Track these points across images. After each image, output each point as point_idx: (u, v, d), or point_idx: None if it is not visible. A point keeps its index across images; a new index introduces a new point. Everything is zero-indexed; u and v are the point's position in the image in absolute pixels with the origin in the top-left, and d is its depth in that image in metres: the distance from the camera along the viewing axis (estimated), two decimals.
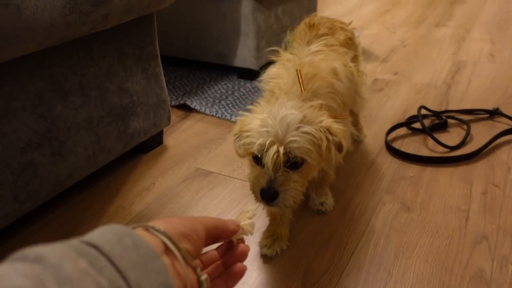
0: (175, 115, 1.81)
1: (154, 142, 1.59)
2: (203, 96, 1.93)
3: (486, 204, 1.24)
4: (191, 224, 0.51)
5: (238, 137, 0.92)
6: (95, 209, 1.30)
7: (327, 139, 0.87)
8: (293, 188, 0.87)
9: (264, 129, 0.84)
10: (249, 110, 0.95)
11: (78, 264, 0.37)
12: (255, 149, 0.86)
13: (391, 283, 1.01)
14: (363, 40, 2.60)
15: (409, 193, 1.30)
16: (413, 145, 1.53)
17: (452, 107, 1.77)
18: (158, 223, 0.48)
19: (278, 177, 0.85)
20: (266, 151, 0.83)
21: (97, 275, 0.37)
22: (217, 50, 2.09)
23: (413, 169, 1.41)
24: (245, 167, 1.46)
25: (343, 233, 1.16)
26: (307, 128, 0.85)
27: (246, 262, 1.08)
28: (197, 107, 1.84)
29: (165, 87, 1.54)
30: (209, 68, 2.21)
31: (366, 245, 1.12)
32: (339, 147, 0.90)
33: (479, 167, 1.40)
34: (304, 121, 0.85)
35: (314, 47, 1.12)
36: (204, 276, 0.49)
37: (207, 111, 1.81)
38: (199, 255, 0.53)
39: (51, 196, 1.22)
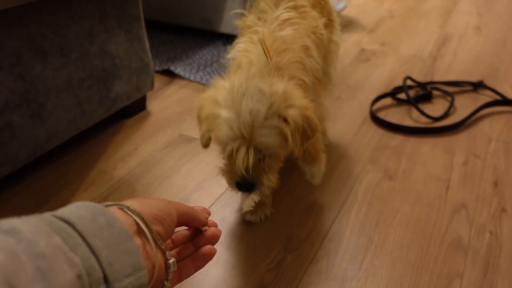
0: (158, 80, 1.78)
1: (137, 107, 1.56)
2: (187, 62, 1.89)
3: (467, 174, 1.26)
4: (164, 206, 0.51)
5: (203, 129, 0.88)
6: (76, 173, 1.28)
7: (297, 134, 0.84)
8: (269, 179, 0.88)
9: (231, 132, 0.81)
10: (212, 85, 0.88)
11: (52, 240, 0.36)
12: (226, 154, 0.85)
13: (372, 248, 1.03)
14: (351, 10, 2.57)
15: (392, 162, 1.31)
16: (397, 115, 1.54)
17: (437, 79, 1.78)
18: (133, 203, 0.48)
19: (251, 170, 0.84)
20: (236, 154, 0.82)
21: (70, 252, 0.37)
22: (202, 15, 2.04)
23: (396, 139, 1.42)
24: None
25: (326, 200, 1.17)
26: (272, 123, 0.81)
27: (229, 228, 1.08)
28: (181, 73, 1.80)
29: (149, 50, 1.50)
30: (194, 34, 2.16)
31: (348, 212, 1.13)
32: (313, 130, 0.87)
33: (461, 138, 1.41)
34: (269, 113, 0.80)
35: (282, 12, 1.02)
36: (172, 260, 0.50)
37: (192, 77, 1.78)
38: (170, 237, 0.53)
39: (30, 159, 1.20)
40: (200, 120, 0.90)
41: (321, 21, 1.09)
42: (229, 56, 1.03)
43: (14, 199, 1.19)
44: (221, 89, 0.84)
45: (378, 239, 1.05)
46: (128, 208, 0.46)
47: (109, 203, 0.47)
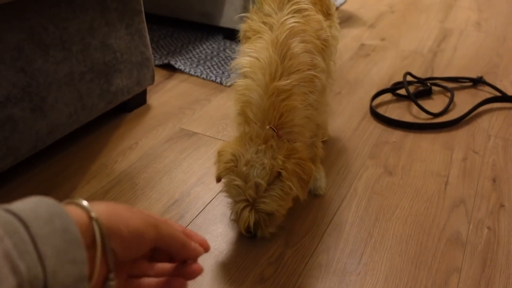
0: (159, 74, 1.78)
1: (138, 101, 1.56)
2: (187, 56, 1.89)
3: (466, 170, 1.27)
4: (139, 227, 0.47)
5: (221, 175, 1.00)
6: (77, 167, 1.29)
7: (294, 180, 0.95)
8: (268, 229, 1.01)
9: (239, 197, 0.96)
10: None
11: (2, 244, 0.36)
12: (233, 213, 1.01)
13: (371, 243, 1.04)
14: (351, 4, 2.56)
15: (392, 158, 1.32)
16: (397, 111, 1.54)
17: (437, 74, 1.78)
18: (104, 212, 0.44)
19: (254, 224, 0.97)
20: (240, 212, 0.97)
21: (18, 260, 0.36)
22: (203, 9, 2.03)
23: (396, 135, 1.42)
24: (230, 129, 1.45)
25: (326, 195, 1.18)
26: (272, 190, 0.95)
27: (229, 222, 1.09)
28: (182, 67, 1.80)
29: (149, 44, 1.50)
30: (194, 28, 2.16)
31: (348, 207, 1.14)
32: (308, 174, 0.98)
33: (460, 134, 1.42)
34: (269, 182, 0.94)
35: (287, 18, 1.03)
36: (112, 282, 0.46)
37: (192, 72, 1.78)
38: (132, 258, 0.48)
39: (32, 153, 1.20)
40: (219, 166, 1.00)
41: (325, 24, 1.11)
42: (236, 62, 1.06)
43: (15, 192, 1.20)
44: (237, 151, 0.97)
45: (378, 234, 1.06)
46: (93, 217, 0.43)
47: (78, 202, 0.45)
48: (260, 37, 1.04)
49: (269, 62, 0.98)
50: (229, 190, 0.99)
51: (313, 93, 1.03)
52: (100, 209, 0.44)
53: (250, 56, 1.02)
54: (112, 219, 0.45)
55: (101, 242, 0.43)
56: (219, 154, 1.02)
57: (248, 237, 1.03)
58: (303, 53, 1.01)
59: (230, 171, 0.97)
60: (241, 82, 1.03)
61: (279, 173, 0.95)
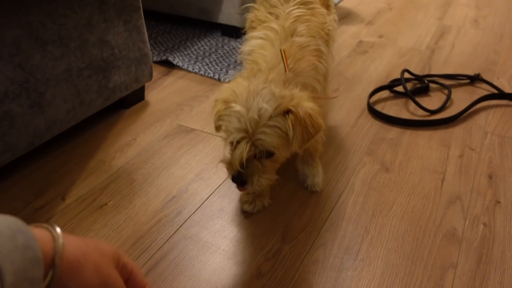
0: (157, 71, 1.78)
1: (136, 97, 1.56)
2: (185, 53, 1.89)
3: (462, 166, 1.27)
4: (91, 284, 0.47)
5: (217, 115, 0.95)
6: (75, 163, 1.29)
7: (299, 127, 0.89)
8: (261, 177, 0.94)
9: (237, 125, 0.89)
10: (232, 79, 0.96)
11: None
12: (228, 141, 0.93)
13: (368, 239, 1.04)
14: (350, 1, 2.56)
15: (389, 155, 1.32)
16: (394, 108, 1.55)
17: (434, 71, 1.79)
18: (70, 243, 0.45)
19: (247, 168, 0.91)
20: (236, 146, 0.90)
21: None
22: (201, 6, 2.03)
23: (393, 131, 1.43)
24: None
25: (323, 191, 1.18)
26: (276, 122, 0.88)
27: (227, 218, 1.10)
28: (180, 64, 1.80)
29: (147, 41, 1.50)
30: (192, 24, 2.16)
31: (345, 203, 1.15)
32: (316, 129, 0.91)
33: (457, 131, 1.43)
34: (274, 113, 0.88)
35: (293, 9, 1.08)
36: None
37: (190, 68, 1.78)
38: None
39: (30, 149, 1.20)
40: (216, 105, 0.95)
41: (328, 18, 1.12)
42: (243, 49, 1.08)
43: (13, 188, 1.20)
44: (240, 85, 0.93)
45: (374, 229, 1.07)
46: (57, 243, 0.44)
47: (49, 226, 0.45)
48: (266, 26, 1.07)
49: (278, 38, 1.01)
50: (227, 119, 0.91)
51: (318, 82, 1.03)
52: (67, 240, 0.45)
53: (258, 38, 1.05)
54: (78, 248, 0.46)
55: (53, 271, 0.43)
56: (219, 94, 0.95)
57: (238, 184, 0.95)
58: (309, 37, 1.04)
59: (229, 104, 0.91)
60: (252, 45, 1.04)
61: (287, 112, 0.88)
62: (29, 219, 1.10)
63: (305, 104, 0.90)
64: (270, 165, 0.95)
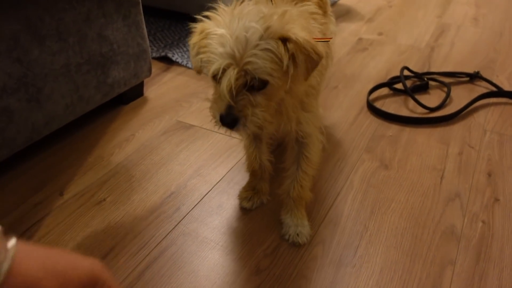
0: (155, 67, 1.77)
1: (134, 93, 1.56)
2: (185, 49, 1.89)
3: (461, 164, 1.27)
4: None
5: (194, 48, 0.82)
6: (73, 158, 1.28)
7: (292, 53, 0.76)
8: (255, 113, 0.79)
9: (221, 49, 0.75)
10: (210, 13, 0.83)
11: None
12: (211, 72, 0.77)
13: (367, 236, 1.04)
14: None
15: (388, 152, 1.32)
16: (393, 105, 1.55)
17: (434, 69, 1.78)
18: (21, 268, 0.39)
19: (237, 102, 0.77)
20: (222, 75, 0.76)
21: None
22: (200, 2, 2.02)
23: (392, 129, 1.43)
24: None
25: (322, 188, 1.18)
26: (267, 45, 0.74)
27: (226, 214, 1.09)
28: (179, 60, 1.80)
29: (146, 36, 1.49)
30: (192, 21, 2.14)
31: (344, 200, 1.14)
32: (319, 56, 0.78)
33: (456, 129, 1.43)
34: (266, 34, 0.74)
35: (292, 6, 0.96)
36: None
37: (189, 65, 1.78)
38: None
39: (28, 144, 1.20)
40: (194, 37, 0.83)
41: (331, 25, 1.07)
42: None
43: (11, 183, 1.19)
44: (221, 10, 0.81)
45: (373, 226, 1.07)
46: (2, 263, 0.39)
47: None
48: None
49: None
50: (209, 47, 0.77)
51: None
52: (23, 259, 0.40)
53: None
54: (28, 263, 0.40)
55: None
56: (196, 26, 0.82)
57: (228, 125, 0.79)
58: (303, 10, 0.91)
59: (209, 31, 0.77)
60: None
61: (284, 40, 0.75)
62: (27, 215, 1.09)
63: (300, 28, 0.78)
64: (264, 99, 0.79)
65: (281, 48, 0.75)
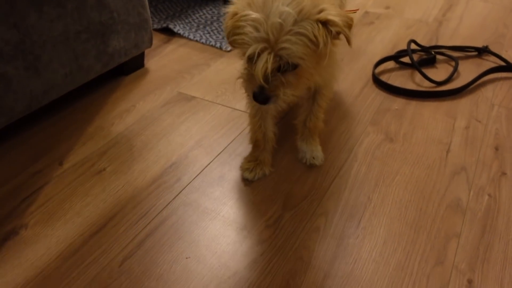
0: (157, 38, 1.74)
1: (135, 64, 1.53)
2: (187, 21, 1.85)
3: (468, 138, 1.25)
4: None
5: (229, 32, 0.85)
6: (73, 128, 1.26)
7: (326, 34, 0.80)
8: (286, 93, 0.85)
9: (256, 33, 0.79)
10: None
11: None
12: (247, 55, 0.82)
13: (370, 208, 1.03)
14: None
15: (393, 125, 1.29)
16: (400, 79, 1.51)
17: (442, 43, 1.74)
18: None
19: (270, 83, 0.83)
20: (257, 59, 0.80)
21: None
22: None
23: (398, 102, 1.40)
24: (229, 94, 1.42)
25: (326, 160, 1.16)
26: (301, 28, 0.78)
27: (227, 185, 1.08)
28: (181, 32, 1.76)
29: (147, 6, 1.45)
30: None
31: (348, 172, 1.12)
32: (349, 32, 0.82)
33: (463, 103, 1.40)
34: (299, 17, 0.78)
35: None
36: None
37: (191, 36, 1.74)
38: None
39: (27, 113, 1.18)
40: (227, 19, 0.86)
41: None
42: None
43: (10, 152, 1.18)
44: (251, 8, 0.81)
45: (377, 198, 1.05)
46: None
47: None
48: None
49: None
50: (243, 30, 0.80)
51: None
52: None
53: None
54: None
55: None
56: (229, 8, 0.85)
57: (260, 101, 0.86)
58: None
59: (243, 13, 0.81)
60: None
61: (323, 23, 0.79)
62: (26, 183, 1.08)
63: (334, 12, 0.81)
64: (295, 80, 0.86)
65: (319, 31, 0.79)
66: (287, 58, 0.80)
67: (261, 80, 0.82)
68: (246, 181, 1.10)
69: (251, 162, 1.11)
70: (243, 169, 1.11)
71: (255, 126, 1.08)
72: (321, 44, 0.80)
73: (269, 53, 0.79)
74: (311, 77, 0.90)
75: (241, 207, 1.03)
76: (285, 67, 0.82)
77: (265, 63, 0.79)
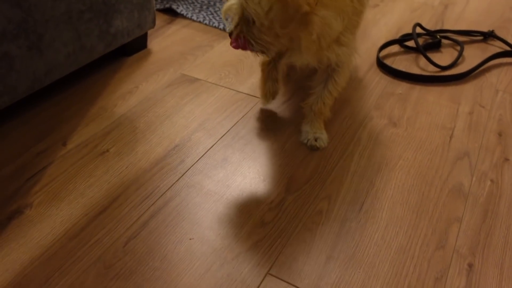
0: (160, 19, 1.72)
1: (138, 45, 1.51)
2: (190, 2, 1.82)
3: (471, 123, 1.25)
4: None
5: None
6: (76, 109, 1.26)
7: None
8: (253, 38, 0.94)
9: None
10: None
11: None
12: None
13: (373, 192, 1.03)
14: None
15: (397, 110, 1.29)
16: (404, 63, 1.50)
17: (447, 27, 1.72)
18: None
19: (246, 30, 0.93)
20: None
21: None
22: None
23: (402, 87, 1.39)
24: (232, 76, 1.41)
25: (329, 143, 1.16)
26: None
27: (230, 167, 1.08)
28: (184, 12, 1.74)
29: None
30: None
31: (351, 156, 1.13)
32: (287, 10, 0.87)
33: (468, 88, 1.39)
34: None
35: None
36: None
37: (194, 17, 1.72)
38: None
39: (29, 93, 1.17)
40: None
41: None
42: None
43: (13, 132, 1.18)
44: None
45: (380, 183, 1.05)
46: None
47: None
48: None
49: None
50: None
51: None
52: None
53: None
54: None
55: None
56: None
57: (231, 38, 0.97)
58: None
59: None
60: None
61: None
62: (30, 164, 1.08)
63: None
64: (261, 34, 0.93)
65: None
66: (246, 12, 0.90)
67: (233, 27, 0.94)
68: (249, 165, 1.10)
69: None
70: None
71: (265, 81, 1.21)
72: (265, 8, 0.86)
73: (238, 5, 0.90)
74: (284, 38, 0.95)
75: (244, 190, 1.03)
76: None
77: (232, 8, 0.91)
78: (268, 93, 1.23)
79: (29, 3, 1.09)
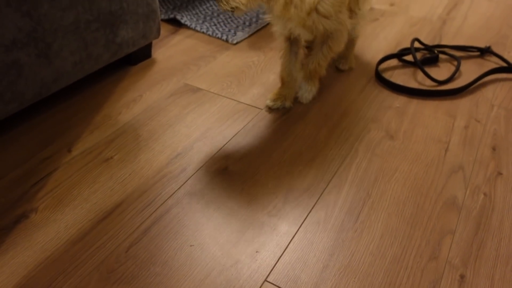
0: (164, 29, 1.76)
1: (143, 54, 1.55)
2: (194, 12, 1.86)
3: (467, 137, 1.28)
4: None
5: None
6: (81, 116, 1.29)
7: None
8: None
9: None
10: None
11: None
12: None
13: (369, 203, 1.06)
14: None
15: (394, 123, 1.32)
16: (402, 77, 1.54)
17: (445, 42, 1.76)
18: None
19: None
20: None
21: None
22: None
23: (400, 100, 1.42)
24: (234, 86, 1.45)
25: (327, 154, 1.19)
26: None
27: (229, 177, 1.10)
28: (188, 23, 1.78)
29: None
30: None
31: (348, 167, 1.16)
32: None
33: (464, 103, 1.42)
34: None
35: None
36: None
37: (198, 28, 1.76)
38: None
39: (37, 99, 1.21)
40: None
41: None
42: None
43: (20, 138, 1.21)
44: None
45: (376, 194, 1.08)
46: None
47: None
48: None
49: None
50: None
51: None
52: None
53: None
54: None
55: None
56: None
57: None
58: None
59: None
60: None
61: None
62: (36, 169, 1.11)
63: None
64: None
65: None
66: None
67: None
68: (249, 174, 1.13)
69: (276, 95, 1.34)
70: (268, 99, 1.35)
71: (283, 65, 1.32)
72: None
73: None
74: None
75: (243, 200, 1.06)
76: None
77: None
78: (287, 94, 1.35)
79: (39, 13, 1.12)
